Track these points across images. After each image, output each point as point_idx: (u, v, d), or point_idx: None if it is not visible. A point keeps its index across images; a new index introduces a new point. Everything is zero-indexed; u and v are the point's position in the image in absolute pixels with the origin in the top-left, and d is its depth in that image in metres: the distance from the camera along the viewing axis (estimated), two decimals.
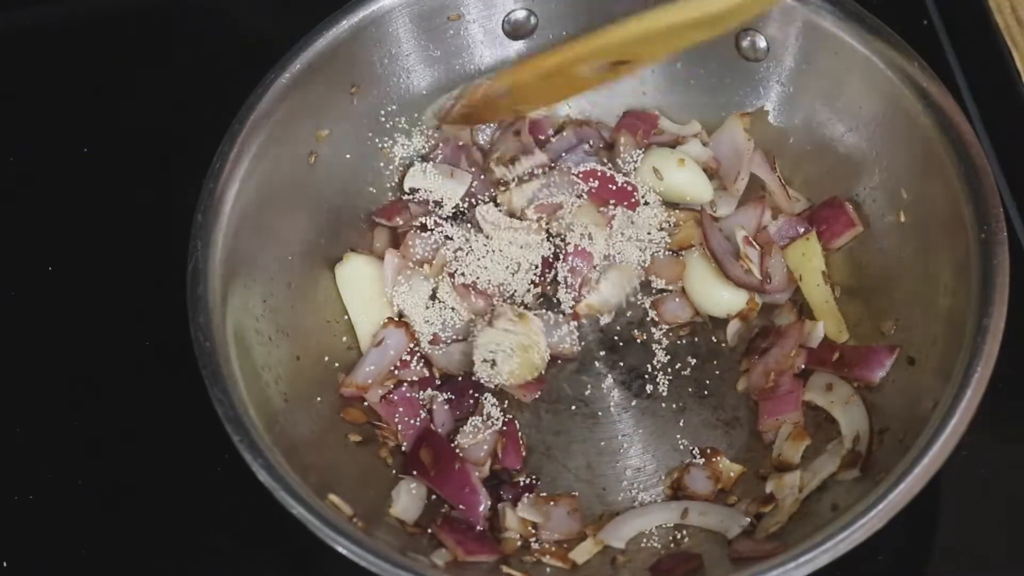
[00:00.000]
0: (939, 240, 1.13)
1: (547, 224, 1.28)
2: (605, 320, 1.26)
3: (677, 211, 1.30)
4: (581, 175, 1.28)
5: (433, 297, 1.25)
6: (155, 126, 1.44)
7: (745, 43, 1.27)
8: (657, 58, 1.25)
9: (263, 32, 1.45)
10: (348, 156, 1.28)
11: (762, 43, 1.27)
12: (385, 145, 1.31)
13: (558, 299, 1.26)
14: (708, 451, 1.17)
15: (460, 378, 1.22)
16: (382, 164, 1.31)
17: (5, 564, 1.17)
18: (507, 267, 1.26)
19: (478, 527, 1.12)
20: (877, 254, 1.22)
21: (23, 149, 1.45)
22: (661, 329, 1.26)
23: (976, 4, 1.41)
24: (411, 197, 1.30)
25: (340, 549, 0.98)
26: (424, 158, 1.31)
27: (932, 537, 1.15)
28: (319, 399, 1.18)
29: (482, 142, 1.33)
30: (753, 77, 1.29)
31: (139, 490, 1.21)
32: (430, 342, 1.23)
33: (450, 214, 1.30)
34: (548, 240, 1.28)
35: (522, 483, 1.17)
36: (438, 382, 1.23)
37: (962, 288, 1.06)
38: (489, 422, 1.17)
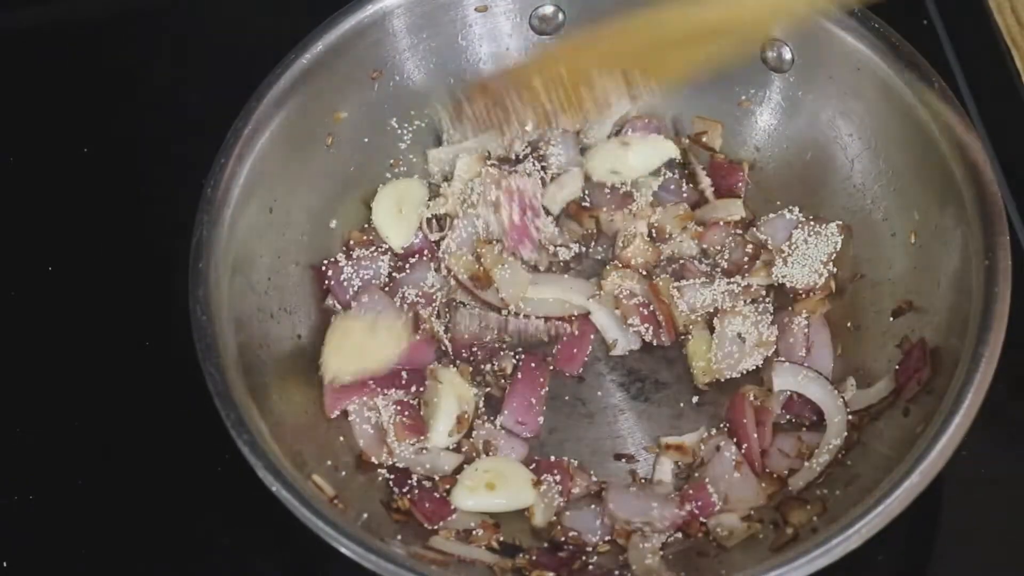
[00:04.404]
0: (944, 262, 1.11)
1: None
2: None
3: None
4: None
5: None
6: (155, 126, 1.44)
7: (771, 53, 1.25)
8: (671, 74, 1.19)
9: (263, 32, 1.44)
10: (366, 140, 1.28)
11: (788, 54, 1.24)
12: (405, 131, 1.31)
13: None
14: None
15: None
16: (402, 150, 1.31)
17: (5, 564, 1.17)
18: None
19: None
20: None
21: (23, 149, 1.45)
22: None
23: (976, 4, 1.41)
24: None
25: (312, 528, 0.97)
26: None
27: (932, 537, 1.15)
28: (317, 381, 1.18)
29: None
30: (768, 85, 1.27)
31: (139, 490, 1.21)
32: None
33: None
34: None
35: None
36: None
37: (961, 310, 1.05)
38: None
